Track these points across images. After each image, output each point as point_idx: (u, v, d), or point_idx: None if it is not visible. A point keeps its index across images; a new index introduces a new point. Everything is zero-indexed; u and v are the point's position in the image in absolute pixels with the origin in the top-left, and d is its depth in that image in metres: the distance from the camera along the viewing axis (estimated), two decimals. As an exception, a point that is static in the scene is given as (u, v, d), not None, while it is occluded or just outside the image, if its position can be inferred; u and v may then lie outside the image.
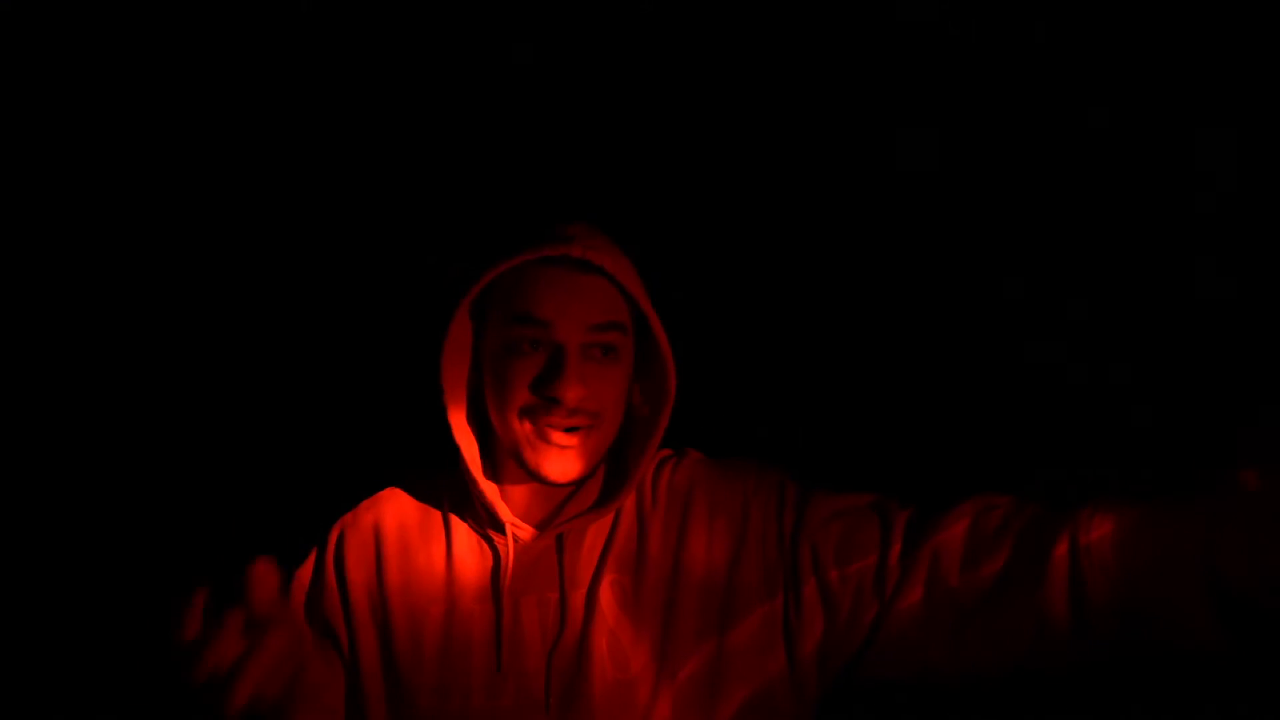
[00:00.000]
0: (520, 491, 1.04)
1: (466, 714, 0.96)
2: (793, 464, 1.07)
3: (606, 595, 0.98)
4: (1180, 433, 1.24)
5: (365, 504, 1.11)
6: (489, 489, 1.02)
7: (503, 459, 1.03)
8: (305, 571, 1.09)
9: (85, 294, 1.68)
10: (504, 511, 1.01)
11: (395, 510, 1.09)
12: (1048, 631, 0.85)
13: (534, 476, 0.99)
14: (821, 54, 1.57)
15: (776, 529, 1.00)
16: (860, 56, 1.55)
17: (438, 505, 1.08)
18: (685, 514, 1.02)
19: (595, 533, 1.03)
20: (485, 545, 1.04)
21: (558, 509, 1.05)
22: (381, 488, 1.12)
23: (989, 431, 1.47)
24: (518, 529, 1.02)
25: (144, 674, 1.58)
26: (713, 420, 1.31)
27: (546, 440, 0.97)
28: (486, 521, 1.04)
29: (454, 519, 1.06)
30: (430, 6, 1.61)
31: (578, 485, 1.04)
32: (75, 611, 1.63)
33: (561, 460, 0.97)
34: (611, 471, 1.07)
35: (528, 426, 0.97)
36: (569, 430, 0.97)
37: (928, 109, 1.53)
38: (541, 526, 1.04)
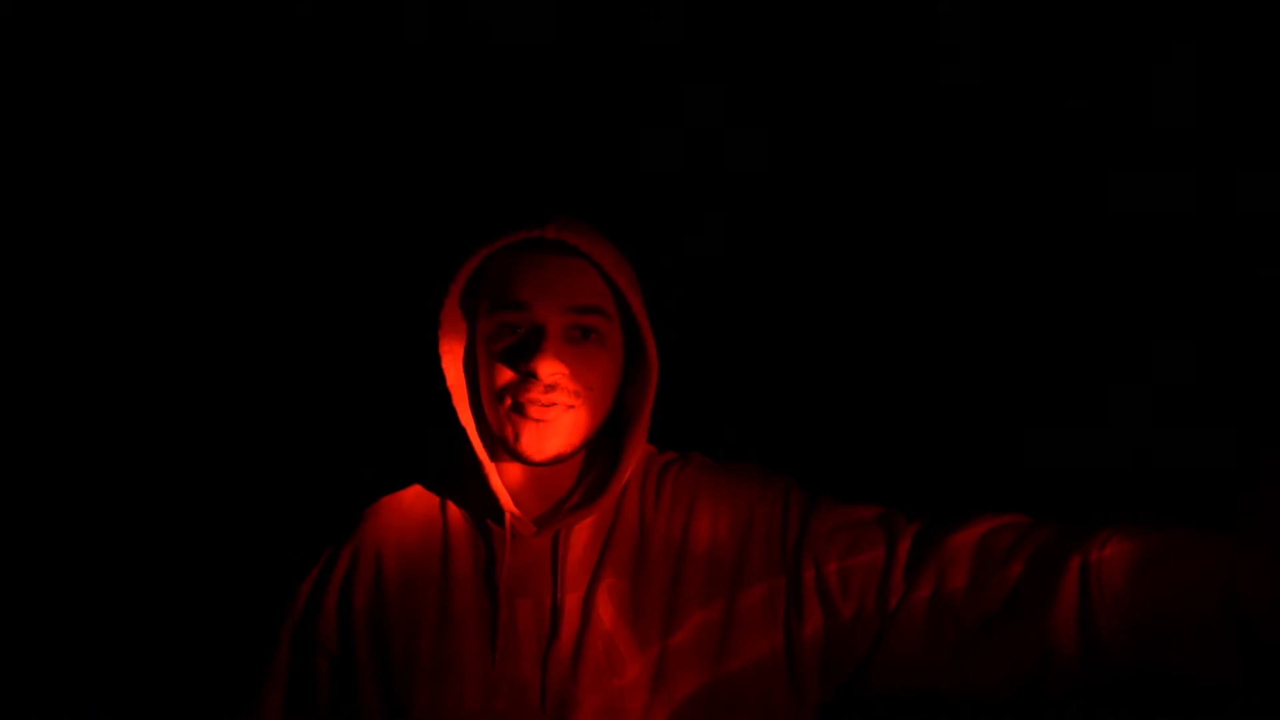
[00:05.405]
0: (516, 484, 1.04)
1: (461, 716, 0.96)
2: (788, 467, 1.07)
3: (604, 599, 0.98)
4: (1199, 458, 1.22)
5: (367, 511, 1.10)
6: (491, 470, 1.01)
7: (497, 452, 1.03)
8: (306, 585, 1.09)
9: (80, 294, 1.68)
10: (505, 497, 1.01)
11: (393, 517, 1.08)
12: (1055, 657, 0.85)
13: (514, 455, 0.99)
14: (805, 51, 1.56)
15: (780, 536, 0.99)
16: (848, 57, 1.55)
17: (435, 504, 1.08)
18: (689, 514, 1.02)
19: (593, 535, 1.02)
20: (481, 542, 1.03)
21: (555, 508, 1.04)
22: (383, 492, 1.12)
23: (990, 440, 1.46)
24: (517, 520, 1.01)
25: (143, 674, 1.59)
26: (708, 421, 1.31)
27: (524, 414, 0.97)
28: (484, 510, 1.03)
29: (451, 514, 1.06)
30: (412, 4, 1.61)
31: (575, 485, 1.05)
32: (73, 614, 1.63)
33: (538, 434, 0.97)
34: (607, 470, 1.06)
35: (508, 402, 0.98)
36: (547, 406, 0.97)
37: (916, 108, 1.53)
38: (539, 523, 1.03)
